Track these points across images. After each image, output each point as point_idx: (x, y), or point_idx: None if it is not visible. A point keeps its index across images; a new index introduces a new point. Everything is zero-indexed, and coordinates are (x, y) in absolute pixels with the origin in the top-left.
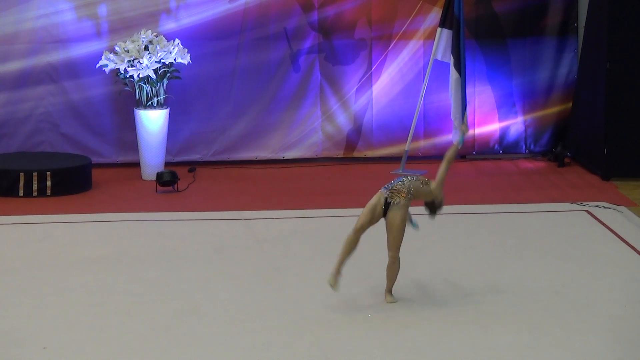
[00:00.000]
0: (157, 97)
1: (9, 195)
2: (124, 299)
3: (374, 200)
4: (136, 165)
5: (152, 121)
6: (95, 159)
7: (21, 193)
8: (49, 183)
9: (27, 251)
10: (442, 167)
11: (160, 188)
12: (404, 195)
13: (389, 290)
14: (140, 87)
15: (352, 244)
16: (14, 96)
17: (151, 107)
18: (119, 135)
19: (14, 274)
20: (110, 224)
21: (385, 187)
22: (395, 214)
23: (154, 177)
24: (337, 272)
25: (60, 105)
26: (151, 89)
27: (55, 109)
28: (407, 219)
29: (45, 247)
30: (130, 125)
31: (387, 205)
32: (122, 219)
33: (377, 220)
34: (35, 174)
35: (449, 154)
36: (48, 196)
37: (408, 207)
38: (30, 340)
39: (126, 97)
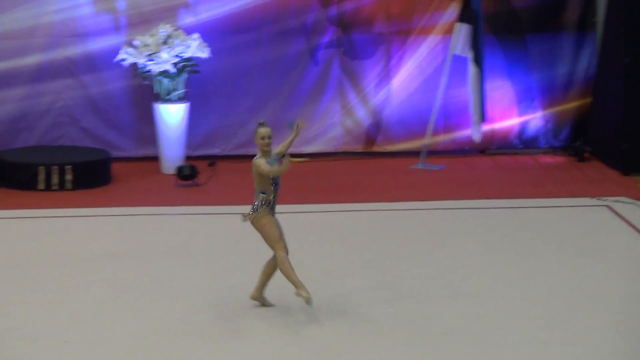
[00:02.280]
0: (176, 91)
1: (28, 189)
2: (143, 294)
3: (268, 219)
4: (156, 159)
5: (172, 115)
6: (114, 153)
7: (41, 187)
8: (69, 177)
9: (46, 245)
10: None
11: (179, 182)
12: (249, 213)
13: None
14: (160, 81)
15: (289, 262)
16: (32, 90)
17: (170, 101)
18: (138, 129)
19: (32, 267)
20: (130, 218)
21: (272, 208)
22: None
23: (173, 171)
24: (303, 287)
25: (79, 99)
26: (170, 83)
27: (74, 102)
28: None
29: (65, 241)
30: (149, 119)
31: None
32: (142, 213)
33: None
34: (55, 167)
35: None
36: (68, 190)
37: (262, 214)
38: (48, 335)
39: (145, 91)
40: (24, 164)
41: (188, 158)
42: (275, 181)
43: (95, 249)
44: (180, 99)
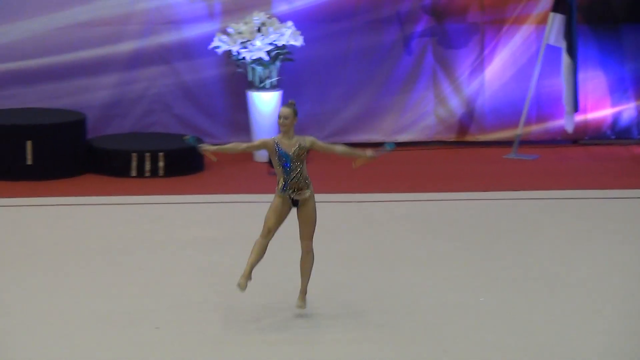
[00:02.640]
0: (270, 79)
1: (121, 176)
2: (234, 280)
3: (276, 202)
4: None
5: (265, 103)
6: (207, 140)
7: (134, 173)
8: (161, 164)
9: (139, 232)
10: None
11: (272, 170)
12: (306, 186)
13: (304, 291)
14: (253, 69)
15: (261, 249)
16: (126, 77)
17: (264, 88)
18: (231, 117)
19: (125, 254)
20: (222, 206)
21: (283, 190)
22: (308, 207)
23: (266, 159)
24: (247, 277)
25: (172, 86)
26: (264, 70)
27: (168, 90)
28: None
29: (157, 227)
30: (242, 107)
31: (295, 202)
32: (234, 201)
33: (283, 221)
34: (147, 154)
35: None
36: (160, 177)
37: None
38: (142, 320)
39: (239, 78)
40: (117, 150)
41: None
42: (284, 164)
43: (187, 235)
44: (273, 87)
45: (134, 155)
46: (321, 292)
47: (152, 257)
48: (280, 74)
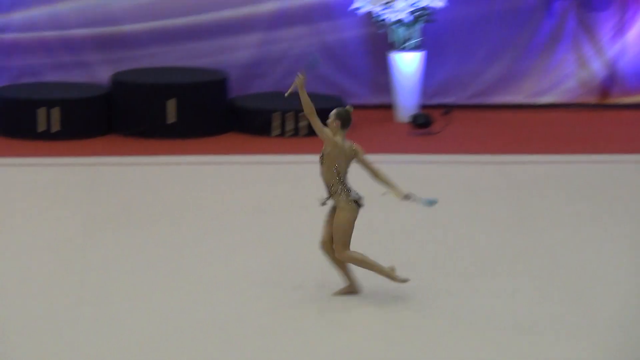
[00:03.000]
0: (412, 40)
1: (263, 135)
2: (373, 238)
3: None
4: (390, 107)
5: (407, 64)
6: (349, 100)
7: (275, 133)
8: (302, 124)
9: (278, 191)
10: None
11: (414, 130)
12: (340, 194)
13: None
14: (395, 29)
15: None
16: (269, 37)
17: (405, 49)
18: (374, 77)
19: (270, 213)
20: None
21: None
22: (338, 215)
23: (408, 119)
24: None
25: (314, 46)
26: (405, 31)
27: (310, 50)
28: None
29: (298, 187)
30: (384, 68)
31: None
32: (376, 161)
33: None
34: (289, 114)
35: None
36: (301, 137)
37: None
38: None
39: (380, 39)
40: (259, 110)
41: (423, 106)
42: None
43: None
44: (415, 48)
45: (276, 115)
46: (464, 254)
47: (292, 216)
48: (421, 35)
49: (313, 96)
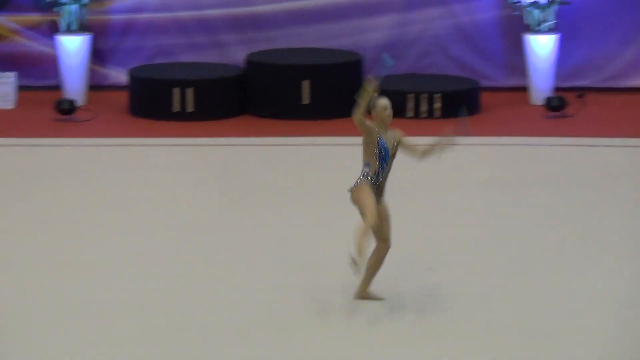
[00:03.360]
0: (547, 22)
1: (397, 117)
2: (518, 221)
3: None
4: (524, 89)
5: (541, 46)
6: (483, 83)
7: (410, 114)
8: (437, 105)
9: (405, 173)
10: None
11: (548, 113)
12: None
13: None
14: (530, 12)
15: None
16: (404, 18)
17: (540, 32)
18: (508, 59)
19: (399, 193)
20: (497, 148)
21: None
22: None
23: (542, 102)
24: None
25: (449, 28)
26: (541, 13)
27: (445, 31)
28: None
29: (427, 169)
30: (519, 50)
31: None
32: (509, 143)
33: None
34: (424, 95)
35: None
36: (436, 118)
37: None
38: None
39: (516, 21)
40: (393, 91)
41: (557, 89)
42: (382, 158)
43: (462, 177)
44: (550, 30)
45: (411, 96)
46: (593, 239)
47: (431, 197)
48: (557, 17)
49: (447, 78)
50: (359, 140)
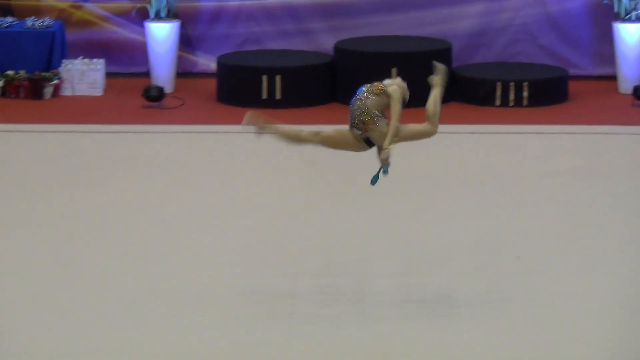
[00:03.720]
0: (636, 11)
1: (485, 105)
2: (607, 211)
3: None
4: (613, 78)
5: (631, 34)
6: (572, 71)
7: (497, 103)
8: (525, 94)
9: (494, 162)
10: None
11: (636, 102)
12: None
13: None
14: (619, 0)
15: (298, 140)
16: (492, 6)
17: (629, 20)
18: (597, 48)
19: (489, 183)
20: (585, 137)
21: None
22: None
23: (631, 91)
24: (263, 127)
25: (538, 16)
26: (630, 2)
27: (533, 19)
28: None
29: (520, 157)
30: (608, 38)
31: (368, 141)
32: (597, 132)
33: (342, 147)
34: (512, 84)
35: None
36: (524, 107)
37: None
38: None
39: (605, 9)
40: (481, 79)
41: None
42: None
43: (549, 166)
44: (639, 19)
45: (499, 85)
46: None
47: (514, 187)
48: None
49: (535, 67)
50: (447, 128)
